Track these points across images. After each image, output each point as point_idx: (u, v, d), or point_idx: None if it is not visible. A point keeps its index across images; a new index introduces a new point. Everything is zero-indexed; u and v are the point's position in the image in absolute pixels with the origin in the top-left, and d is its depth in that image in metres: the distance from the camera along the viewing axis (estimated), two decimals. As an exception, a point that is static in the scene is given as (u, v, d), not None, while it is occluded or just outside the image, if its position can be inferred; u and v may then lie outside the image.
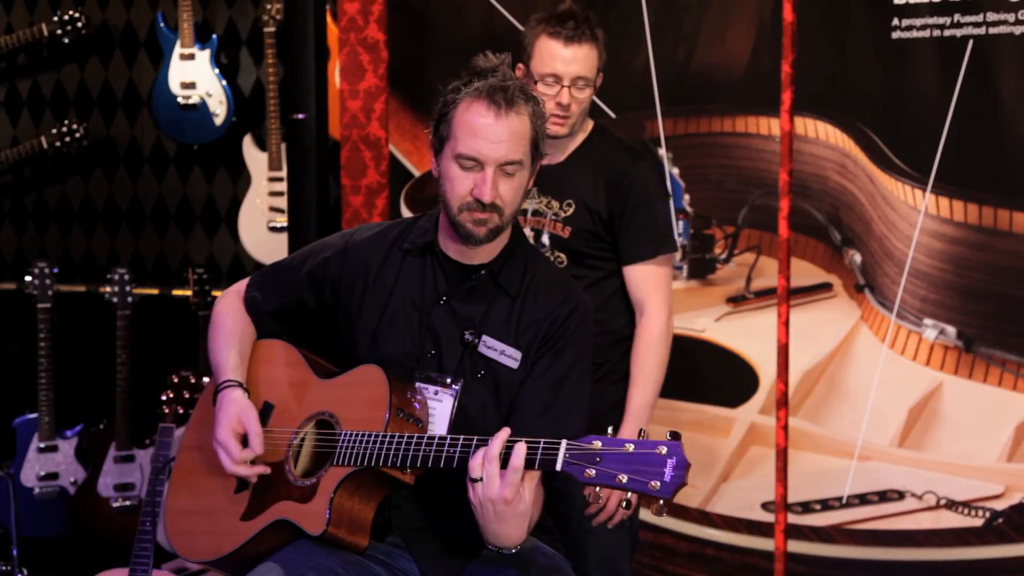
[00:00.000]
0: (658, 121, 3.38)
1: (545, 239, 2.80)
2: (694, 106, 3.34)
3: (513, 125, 2.06)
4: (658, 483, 1.77)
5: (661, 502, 1.78)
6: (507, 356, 2.12)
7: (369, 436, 2.02)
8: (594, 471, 1.81)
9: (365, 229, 2.29)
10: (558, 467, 1.85)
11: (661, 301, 2.77)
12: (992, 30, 3.00)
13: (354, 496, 2.05)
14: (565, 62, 2.69)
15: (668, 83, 3.36)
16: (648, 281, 2.77)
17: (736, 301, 3.33)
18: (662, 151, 3.38)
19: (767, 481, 3.29)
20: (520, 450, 1.87)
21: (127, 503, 4.00)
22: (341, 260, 2.23)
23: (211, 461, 2.18)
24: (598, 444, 1.82)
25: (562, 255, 2.79)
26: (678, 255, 3.24)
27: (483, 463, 1.89)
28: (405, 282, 2.18)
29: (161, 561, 3.31)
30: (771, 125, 3.26)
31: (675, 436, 1.80)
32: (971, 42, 3.02)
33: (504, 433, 1.91)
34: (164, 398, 3.17)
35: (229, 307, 2.31)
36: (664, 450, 1.79)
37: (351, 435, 2.04)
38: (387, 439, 2.01)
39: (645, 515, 3.19)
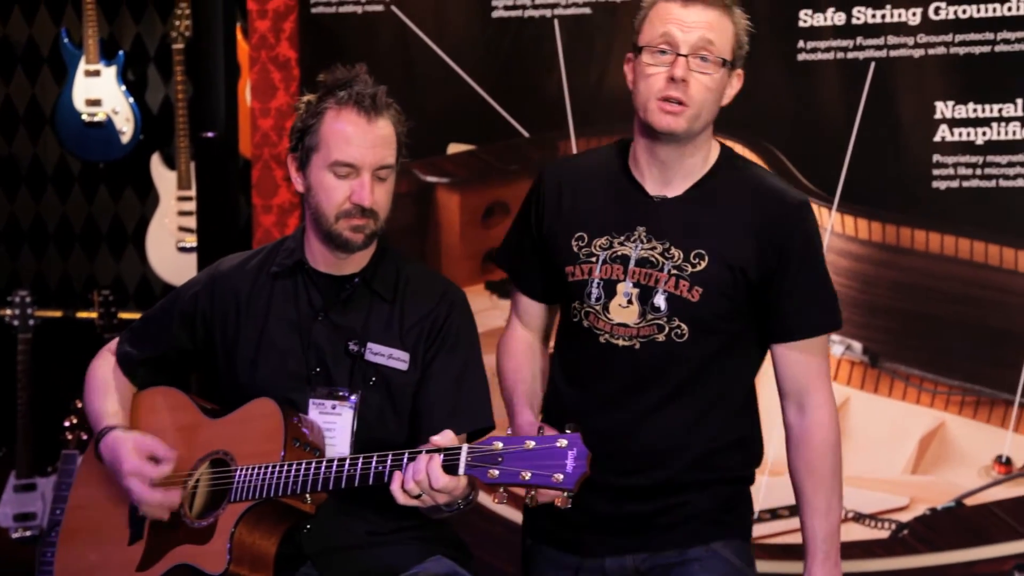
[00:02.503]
0: (571, 141, 3.40)
1: (659, 301, 2.06)
2: (607, 126, 3.37)
3: (383, 130, 2.09)
4: (561, 475, 1.77)
5: (566, 494, 1.79)
6: (395, 359, 2.12)
7: (266, 468, 2.00)
8: (497, 471, 1.81)
9: (228, 260, 2.27)
10: (461, 471, 1.84)
11: (829, 391, 2.13)
12: (892, 53, 3.09)
13: (255, 531, 2.02)
14: (682, 25, 2.02)
15: (581, 103, 3.38)
16: (812, 364, 2.11)
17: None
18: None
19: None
20: (436, 468, 1.85)
21: (27, 533, 3.88)
22: (209, 293, 2.21)
23: (101, 517, 2.15)
24: (499, 444, 1.82)
25: (683, 325, 2.06)
26: None
27: (414, 485, 1.87)
28: (278, 305, 2.16)
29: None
30: (682, 145, 3.30)
31: (573, 428, 1.81)
32: (873, 64, 3.10)
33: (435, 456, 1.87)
34: (67, 424, 3.10)
35: (102, 366, 2.28)
36: (564, 443, 1.79)
37: (247, 470, 2.02)
38: (284, 468, 1.98)
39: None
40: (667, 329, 2.06)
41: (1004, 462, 3.01)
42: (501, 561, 3.41)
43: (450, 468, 1.85)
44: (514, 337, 2.29)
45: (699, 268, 2.05)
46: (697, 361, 2.08)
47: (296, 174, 2.14)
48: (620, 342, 2.08)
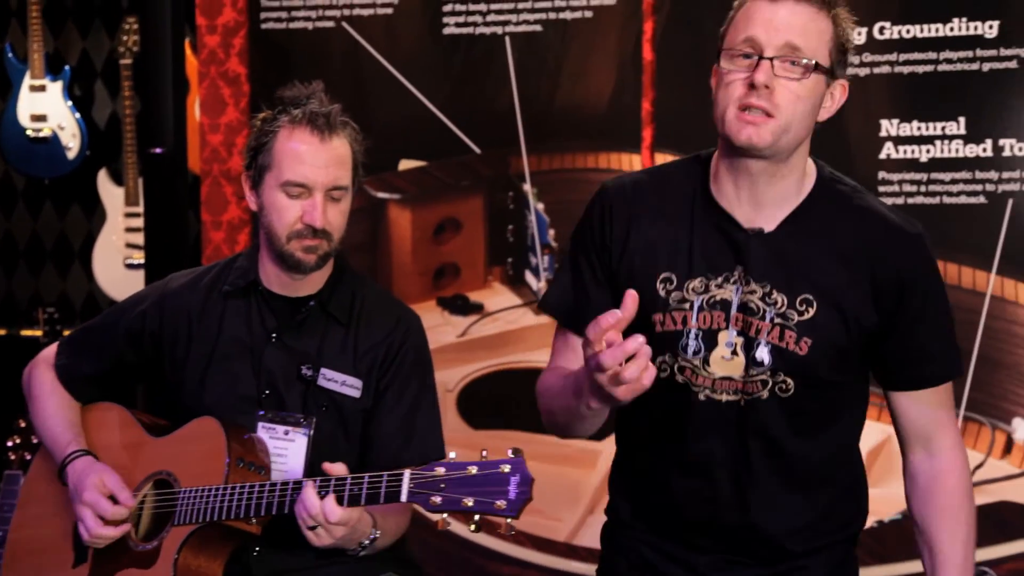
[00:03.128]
0: (523, 157, 3.41)
1: (761, 354, 1.80)
2: (558, 142, 3.39)
3: (337, 150, 2.06)
4: (504, 502, 1.75)
5: (509, 521, 1.76)
6: (348, 386, 2.10)
7: (209, 491, 1.98)
8: (440, 498, 1.78)
9: (178, 277, 2.23)
10: (403, 498, 1.82)
11: (958, 433, 1.92)
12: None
13: (199, 555, 2.00)
14: (768, 25, 1.74)
15: (532, 120, 3.39)
16: (941, 409, 1.89)
17: (600, 335, 3.37)
18: (527, 186, 3.42)
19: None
20: (330, 503, 1.85)
21: (-30, 554, 3.80)
22: (158, 312, 2.17)
23: (46, 539, 2.12)
24: (441, 470, 1.80)
25: (789, 380, 1.80)
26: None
27: (307, 517, 1.87)
28: (230, 325, 2.13)
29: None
30: (633, 161, 3.32)
31: (517, 452, 1.78)
32: (820, 83, 3.14)
33: (309, 493, 1.87)
34: (10, 444, 3.05)
35: (43, 380, 2.23)
36: (507, 468, 1.76)
37: (190, 492, 2.00)
38: (228, 491, 1.96)
39: (509, 549, 3.19)
40: (771, 384, 1.80)
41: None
42: (453, 578, 3.41)
43: (391, 495, 1.83)
44: (556, 373, 1.92)
45: (806, 316, 1.77)
46: (806, 418, 1.83)
47: (250, 192, 2.12)
48: (724, 397, 1.81)
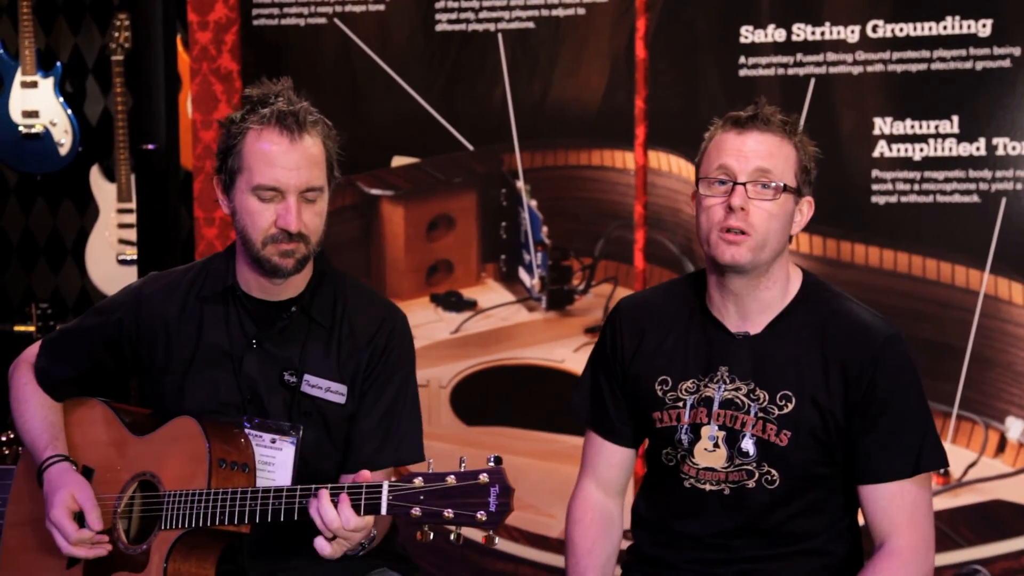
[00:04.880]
0: (516, 154, 3.41)
1: (747, 446, 1.95)
2: (551, 140, 3.38)
3: (309, 150, 1.97)
4: (484, 514, 1.73)
5: (491, 532, 1.75)
6: (333, 392, 2.06)
7: (194, 496, 1.94)
8: (419, 510, 1.76)
9: (154, 280, 2.16)
10: (383, 511, 1.80)
11: (920, 536, 1.93)
12: (832, 69, 3.13)
13: (189, 558, 1.98)
14: (738, 154, 1.94)
15: (525, 117, 3.39)
16: (899, 507, 1.93)
17: (594, 331, 3.37)
18: (520, 183, 3.41)
19: (627, 509, 3.33)
20: (346, 509, 1.82)
21: (-37, 551, 3.80)
22: (135, 318, 2.11)
23: (38, 537, 2.09)
24: (419, 481, 1.77)
25: (773, 471, 1.95)
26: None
27: (345, 521, 1.83)
28: (209, 331, 2.07)
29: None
30: (626, 159, 3.32)
31: (497, 461, 1.76)
32: (813, 80, 3.15)
33: (324, 498, 1.84)
34: (3, 439, 3.03)
35: (25, 381, 2.18)
36: (485, 478, 1.74)
37: (175, 496, 1.96)
38: (212, 497, 1.93)
39: (503, 545, 3.18)
40: (757, 475, 1.95)
41: (942, 473, 3.06)
42: (446, 572, 3.41)
43: (371, 508, 1.80)
44: (589, 504, 2.11)
45: (786, 411, 1.93)
46: (794, 508, 1.96)
47: (222, 196, 2.04)
48: (707, 487, 1.98)
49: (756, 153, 1.93)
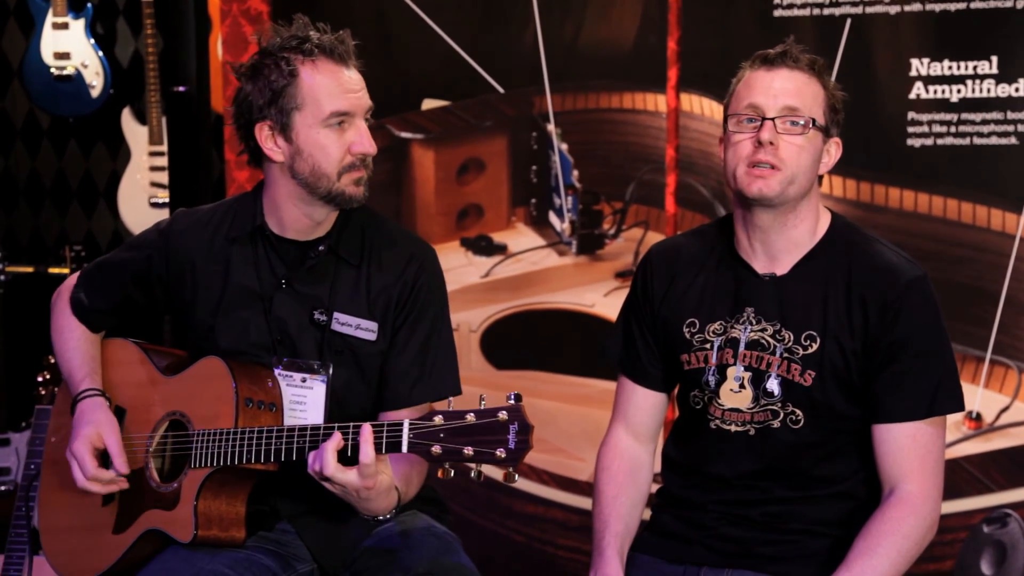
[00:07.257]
0: (546, 97, 3.38)
1: (772, 386, 1.98)
2: (582, 82, 3.35)
3: (358, 74, 2.04)
4: (503, 452, 1.75)
5: (511, 468, 1.76)
6: (363, 330, 2.06)
7: (222, 434, 1.97)
8: (440, 448, 1.78)
9: (183, 217, 2.16)
10: (404, 449, 1.82)
11: (931, 483, 1.93)
12: (868, 10, 3.08)
13: (219, 495, 2.00)
14: (767, 91, 1.96)
15: (556, 59, 3.36)
16: (911, 450, 1.93)
17: (624, 276, 3.37)
18: (551, 126, 3.39)
19: (657, 454, 3.34)
20: (368, 443, 1.83)
21: (2, 488, 3.87)
22: (163, 256, 2.12)
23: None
24: (439, 419, 1.79)
25: (798, 411, 1.97)
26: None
27: (323, 467, 1.85)
28: (237, 272, 2.08)
29: (39, 547, 3.22)
30: (658, 101, 3.29)
31: (517, 398, 1.77)
32: (849, 20, 3.10)
33: (335, 439, 1.85)
34: (40, 380, 3.08)
35: (63, 312, 2.21)
36: (504, 415, 1.76)
37: (204, 435, 1.99)
38: (240, 436, 1.95)
39: (534, 488, 3.21)
40: (782, 415, 1.97)
41: (974, 418, 3.05)
42: (477, 515, 3.44)
43: (392, 446, 1.82)
44: (618, 451, 2.13)
45: (811, 351, 1.95)
46: (820, 450, 1.97)
47: (273, 143, 2.02)
48: (732, 428, 2.00)
49: (785, 91, 1.95)
